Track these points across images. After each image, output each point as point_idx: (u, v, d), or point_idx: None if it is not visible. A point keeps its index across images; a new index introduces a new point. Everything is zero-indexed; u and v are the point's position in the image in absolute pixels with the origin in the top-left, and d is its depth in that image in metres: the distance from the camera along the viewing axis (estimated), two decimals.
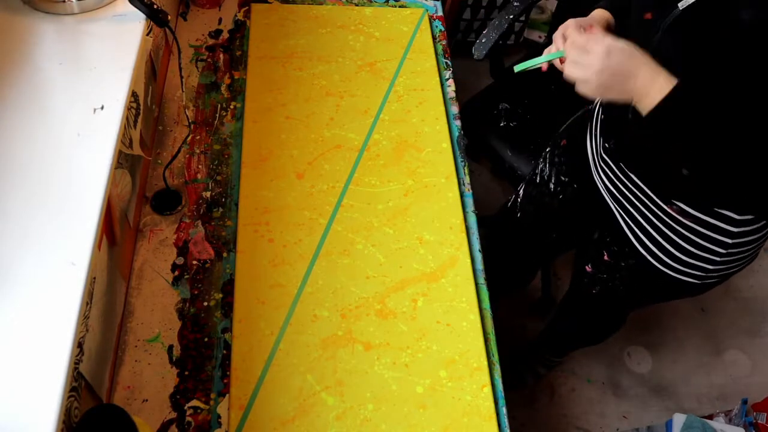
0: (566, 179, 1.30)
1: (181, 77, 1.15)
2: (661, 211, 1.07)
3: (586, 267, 1.29)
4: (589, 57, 0.86)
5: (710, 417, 1.75)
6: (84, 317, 0.78)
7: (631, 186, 1.10)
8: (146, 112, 1.10)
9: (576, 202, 1.30)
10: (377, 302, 1.03)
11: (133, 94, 0.98)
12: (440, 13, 1.46)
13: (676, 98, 0.84)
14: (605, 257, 1.22)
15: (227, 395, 0.94)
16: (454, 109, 1.31)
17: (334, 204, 1.12)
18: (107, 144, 0.83)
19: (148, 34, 1.00)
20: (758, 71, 0.82)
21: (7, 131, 0.82)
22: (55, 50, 0.92)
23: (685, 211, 1.04)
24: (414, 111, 1.27)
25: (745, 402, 1.76)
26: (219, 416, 0.92)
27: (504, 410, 0.97)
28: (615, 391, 1.83)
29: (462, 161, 1.23)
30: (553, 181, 1.33)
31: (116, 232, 0.95)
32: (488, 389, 0.97)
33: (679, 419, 1.66)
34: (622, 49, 0.86)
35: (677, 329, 1.97)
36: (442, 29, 1.44)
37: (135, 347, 0.97)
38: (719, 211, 1.02)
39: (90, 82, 0.89)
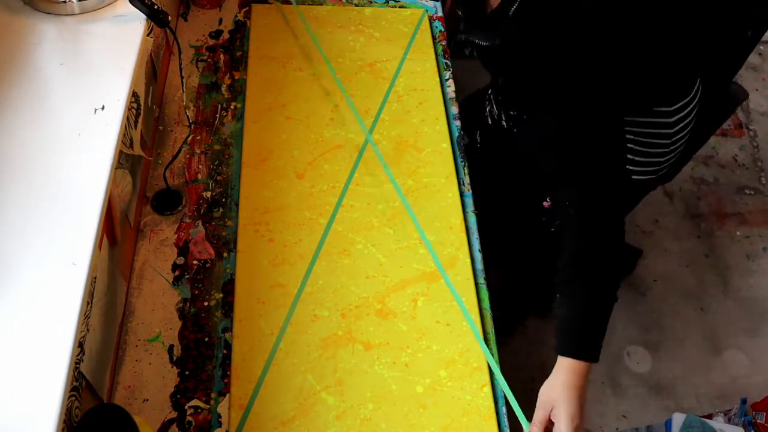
0: (514, 113, 1.27)
1: (182, 77, 1.15)
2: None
3: (544, 204, 1.30)
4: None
5: (709, 416, 1.75)
6: (85, 317, 0.78)
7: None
8: (147, 113, 1.10)
9: (532, 131, 1.29)
10: (377, 302, 1.03)
11: (134, 95, 0.98)
12: (440, 14, 1.46)
13: None
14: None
15: (228, 395, 0.94)
16: (454, 109, 1.31)
17: (334, 204, 1.13)
18: (108, 144, 0.83)
19: (148, 35, 1.00)
20: (596, 55, 0.94)
21: (7, 131, 0.82)
22: (55, 50, 0.92)
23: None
24: (414, 111, 1.27)
25: (744, 401, 1.76)
26: (219, 416, 0.92)
27: (504, 410, 0.97)
28: (614, 390, 1.83)
29: (462, 161, 1.23)
30: (504, 118, 1.29)
31: (117, 232, 0.96)
32: (488, 389, 0.97)
33: (678, 419, 1.66)
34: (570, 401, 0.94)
35: (677, 329, 1.97)
36: (442, 30, 1.44)
37: (135, 347, 0.97)
38: (656, 109, 1.11)
39: (90, 83, 0.89)
